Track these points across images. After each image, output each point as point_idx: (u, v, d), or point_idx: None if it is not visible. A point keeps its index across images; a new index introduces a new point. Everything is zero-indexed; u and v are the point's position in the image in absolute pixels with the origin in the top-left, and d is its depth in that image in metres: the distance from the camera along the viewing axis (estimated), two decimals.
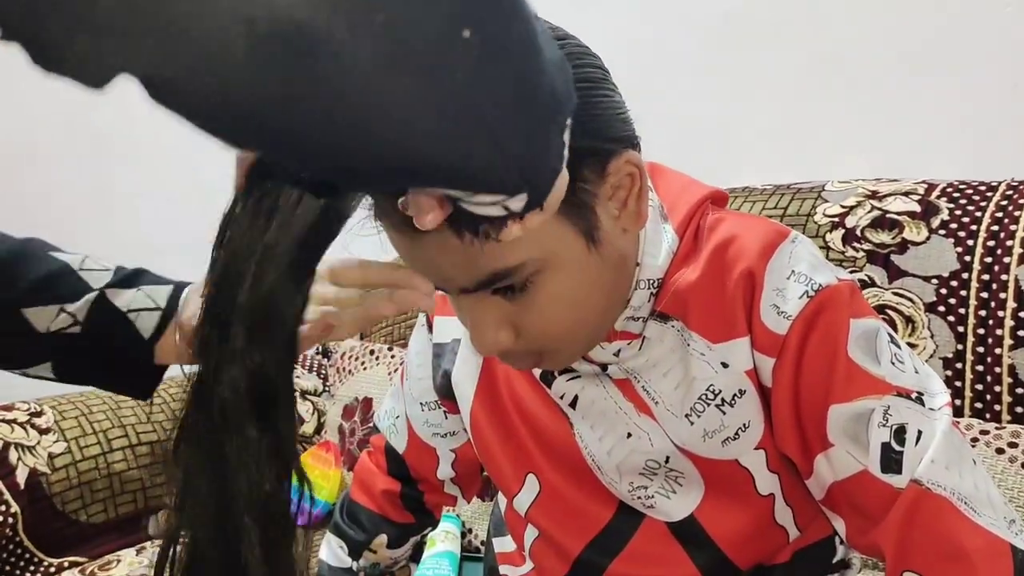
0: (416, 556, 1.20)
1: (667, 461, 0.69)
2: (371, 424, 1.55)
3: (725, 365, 0.66)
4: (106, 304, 0.60)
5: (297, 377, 1.75)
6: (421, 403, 0.90)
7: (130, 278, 0.62)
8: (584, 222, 0.60)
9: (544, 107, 0.39)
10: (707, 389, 0.67)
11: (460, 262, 0.59)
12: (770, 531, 0.70)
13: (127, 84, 0.30)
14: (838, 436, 0.64)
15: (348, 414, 1.60)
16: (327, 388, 1.76)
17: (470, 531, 1.35)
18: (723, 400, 0.67)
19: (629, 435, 0.70)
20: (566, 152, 0.45)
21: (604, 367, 0.70)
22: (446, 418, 0.89)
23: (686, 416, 0.68)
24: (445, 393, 0.85)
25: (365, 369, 1.63)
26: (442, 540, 1.27)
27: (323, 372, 1.79)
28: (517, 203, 0.42)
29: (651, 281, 0.68)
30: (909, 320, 1.05)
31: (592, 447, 0.72)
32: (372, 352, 1.65)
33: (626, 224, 0.63)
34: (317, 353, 1.86)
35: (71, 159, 2.32)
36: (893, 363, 0.64)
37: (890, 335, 0.66)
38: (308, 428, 1.69)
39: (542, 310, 0.62)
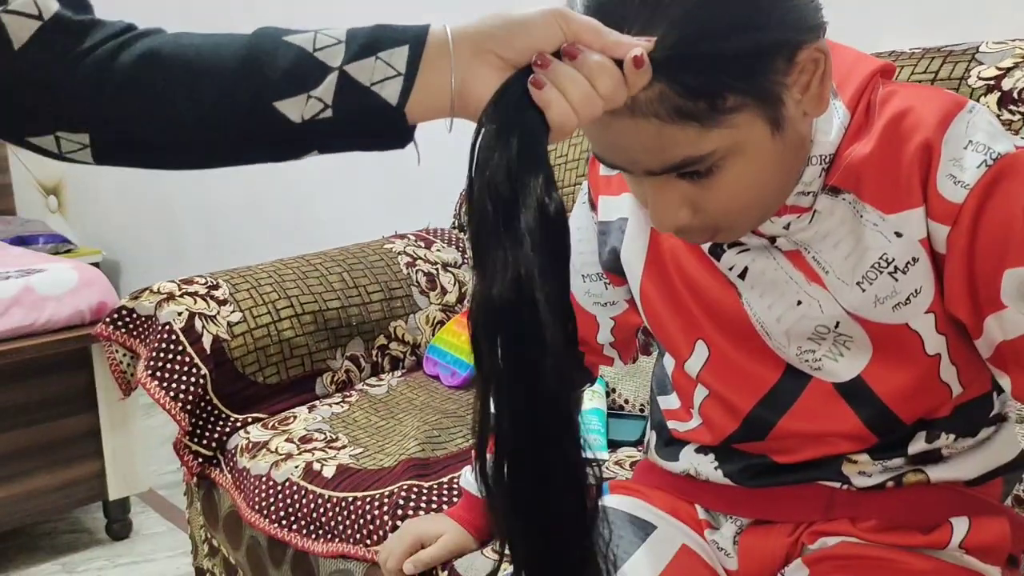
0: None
1: (837, 326, 0.74)
2: None
3: (899, 234, 0.70)
4: (349, 82, 0.59)
5: (438, 250, 1.85)
6: (583, 275, 0.96)
7: (367, 47, 0.60)
8: (772, 110, 0.64)
9: None
10: (880, 258, 0.71)
11: (653, 147, 0.64)
12: (935, 388, 0.75)
13: None
14: (1012, 299, 0.67)
15: None
16: (466, 260, 1.85)
17: (614, 391, 1.45)
18: (896, 268, 0.71)
19: (799, 303, 0.75)
20: None
21: (773, 240, 0.75)
22: (607, 288, 0.95)
23: (857, 284, 0.72)
24: (612, 268, 0.91)
25: None
26: (590, 399, 1.36)
27: (461, 245, 1.88)
28: None
29: (823, 157, 0.71)
30: None
31: (761, 315, 0.77)
32: None
33: (808, 108, 0.66)
34: (453, 228, 1.95)
35: None
36: None
37: None
38: (451, 298, 1.80)
39: (724, 192, 0.66)
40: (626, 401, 1.43)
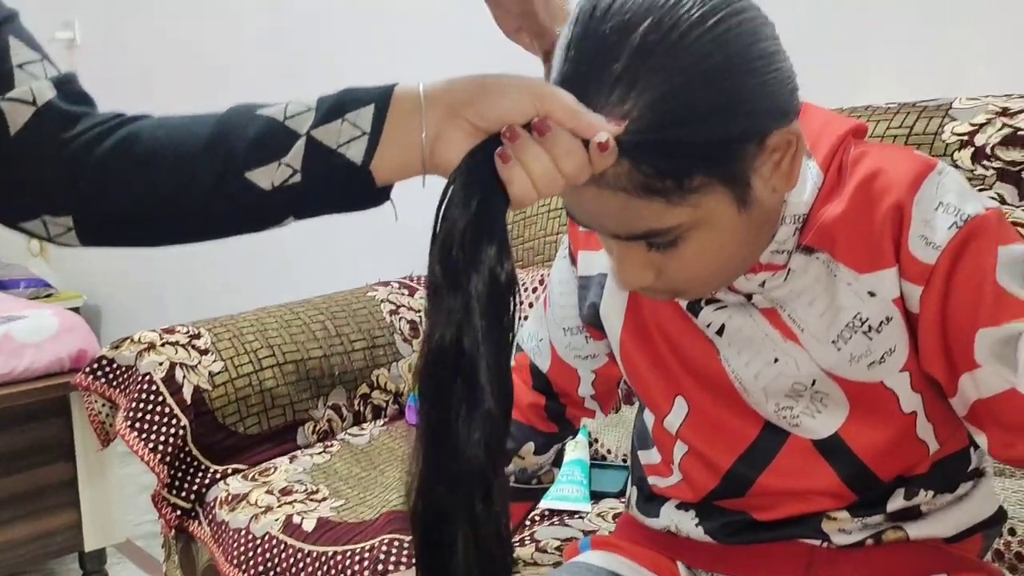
0: (558, 461, 1.29)
1: (813, 384, 0.75)
2: None
3: (872, 294, 0.71)
4: (316, 145, 0.60)
5: (421, 298, 1.85)
6: (564, 328, 0.97)
7: (333, 110, 0.61)
8: (739, 190, 0.65)
9: None
10: (854, 317, 0.71)
11: (618, 217, 0.65)
12: (912, 445, 0.75)
13: None
14: (985, 358, 0.68)
15: None
16: None
17: (596, 440, 1.44)
18: (870, 327, 0.71)
19: (776, 360, 0.75)
20: None
21: (749, 297, 0.75)
22: (587, 342, 0.96)
23: (832, 342, 0.73)
24: (591, 322, 0.91)
25: None
26: (572, 449, 1.36)
27: None
28: None
29: (796, 216, 0.72)
30: None
31: (739, 371, 0.78)
32: None
33: (776, 184, 0.67)
34: None
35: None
36: None
37: None
38: None
39: (686, 261, 0.67)
40: (608, 451, 1.43)
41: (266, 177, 0.60)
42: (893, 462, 0.76)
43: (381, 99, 0.60)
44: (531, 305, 1.59)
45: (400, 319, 1.79)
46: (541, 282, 1.61)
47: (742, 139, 0.63)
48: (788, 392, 0.76)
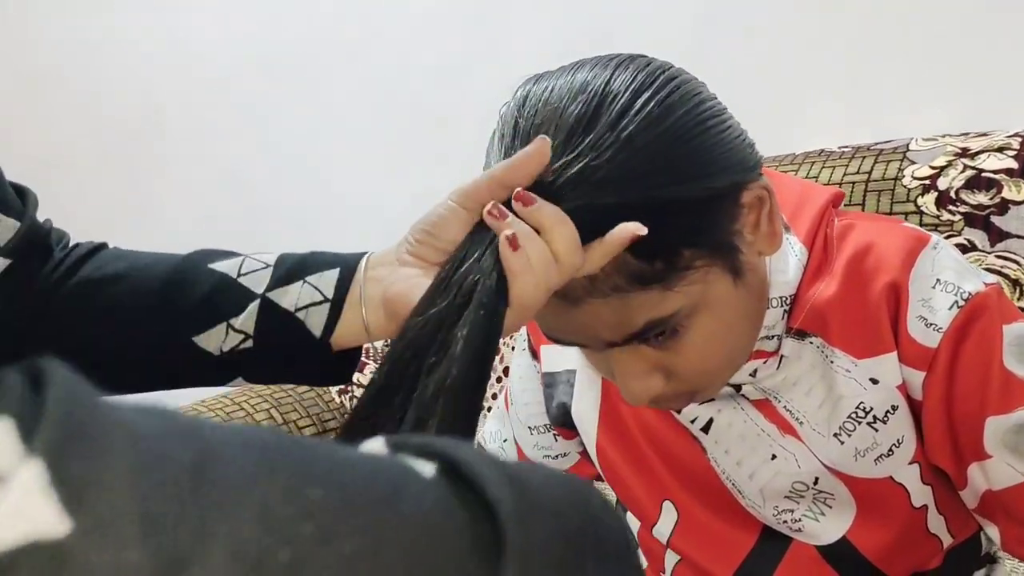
0: None
1: (816, 483, 0.68)
2: None
3: (874, 381, 0.65)
4: (272, 309, 0.56)
5: (371, 373, 1.76)
6: (529, 427, 0.89)
7: (294, 270, 0.57)
8: (730, 259, 0.59)
9: None
10: (857, 407, 0.66)
11: (614, 320, 0.58)
12: (923, 541, 0.69)
13: None
14: (996, 448, 0.62)
15: None
16: None
17: None
18: (875, 417, 0.65)
19: (774, 457, 0.69)
20: None
21: (738, 388, 0.69)
22: (556, 441, 0.88)
23: (835, 436, 0.67)
24: (561, 423, 0.84)
25: None
26: None
27: None
28: None
29: (783, 298, 0.66)
30: (1016, 283, 1.02)
31: (730, 472, 0.71)
32: None
33: (761, 247, 0.62)
34: (385, 345, 1.86)
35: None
36: None
37: None
38: None
39: (695, 350, 0.60)
40: None
41: (214, 341, 0.57)
42: (905, 561, 0.70)
43: (347, 264, 0.57)
44: (494, 396, 1.51)
45: (350, 398, 1.69)
46: (499, 379, 1.52)
47: (718, 198, 0.57)
48: (788, 493, 0.69)
